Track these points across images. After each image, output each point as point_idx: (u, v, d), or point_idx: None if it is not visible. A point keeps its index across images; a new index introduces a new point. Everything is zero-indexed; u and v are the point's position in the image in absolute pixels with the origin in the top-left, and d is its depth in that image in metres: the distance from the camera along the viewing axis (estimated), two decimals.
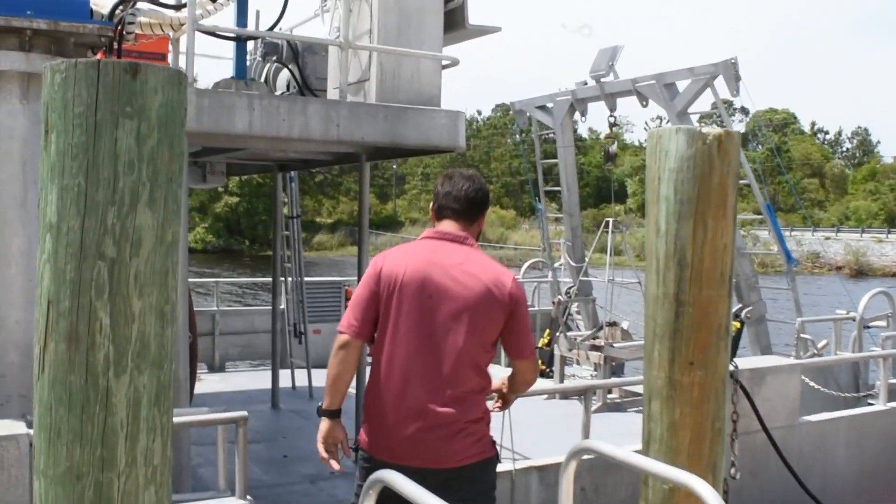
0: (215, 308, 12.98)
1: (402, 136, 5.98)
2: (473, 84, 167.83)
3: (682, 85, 10.05)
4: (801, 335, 8.92)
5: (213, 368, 12.77)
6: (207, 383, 11.81)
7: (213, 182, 10.12)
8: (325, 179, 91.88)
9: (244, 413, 4.37)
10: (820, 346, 9.25)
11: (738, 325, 10.11)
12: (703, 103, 10.27)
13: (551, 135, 12.42)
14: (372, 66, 6.26)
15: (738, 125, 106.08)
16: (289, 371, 11.31)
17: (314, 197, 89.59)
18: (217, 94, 5.48)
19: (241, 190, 72.40)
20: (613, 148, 11.29)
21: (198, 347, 6.18)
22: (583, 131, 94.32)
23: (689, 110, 10.06)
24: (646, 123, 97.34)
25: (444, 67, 6.55)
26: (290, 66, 7.20)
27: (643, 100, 10.46)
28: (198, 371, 12.49)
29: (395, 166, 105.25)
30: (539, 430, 8.56)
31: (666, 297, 3.68)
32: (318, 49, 7.23)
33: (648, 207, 3.79)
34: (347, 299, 13.63)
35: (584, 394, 5.95)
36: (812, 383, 8.01)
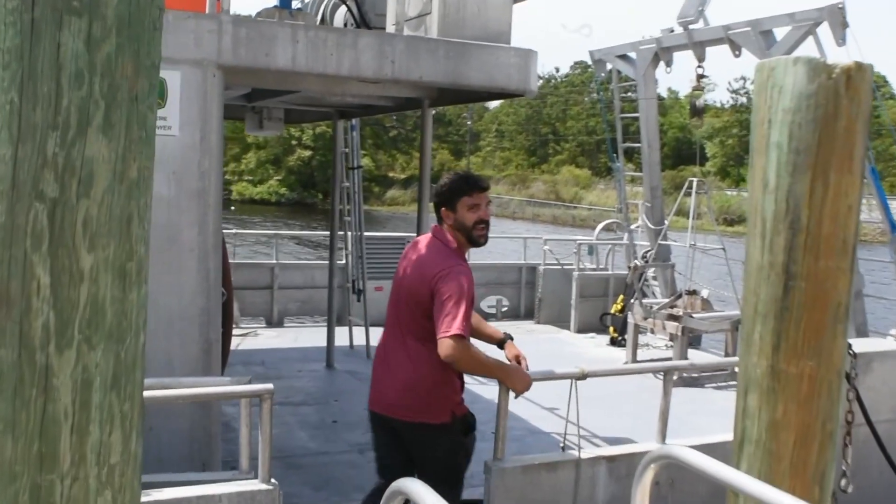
0: (274, 261, 12.57)
1: (465, 75, 5.32)
2: (552, 40, 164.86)
3: (780, 33, 9.14)
4: None
5: (270, 323, 12.40)
6: (263, 338, 11.44)
7: (271, 129, 9.61)
8: (398, 134, 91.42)
9: (269, 386, 3.83)
10: None
11: None
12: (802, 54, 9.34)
13: (631, 94, 11.62)
14: None
15: None
16: (347, 329, 10.85)
17: (388, 152, 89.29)
18: (256, 23, 4.89)
19: (315, 143, 72.44)
20: (701, 101, 10.41)
21: (233, 306, 5.69)
22: (662, 90, 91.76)
23: None
24: (729, 84, 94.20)
25: (516, 1, 5.86)
26: (346, 1, 6.58)
27: (735, 49, 9.56)
28: (253, 328, 12.16)
29: (469, 122, 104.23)
30: (610, 407, 7.94)
31: (773, 267, 3.00)
32: None
33: (754, 157, 3.10)
34: None
35: (664, 374, 5.26)
36: None
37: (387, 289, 11.48)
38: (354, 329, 10.72)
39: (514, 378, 4.35)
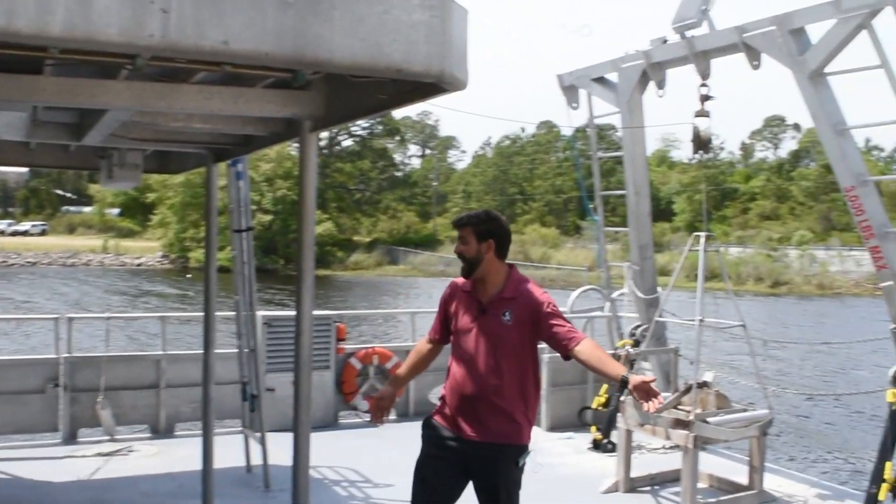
0: (161, 352, 9.78)
1: (322, 42, 2.72)
2: (517, 99, 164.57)
3: (815, 31, 6.74)
4: None
5: (156, 432, 9.58)
6: (136, 458, 8.63)
7: (124, 180, 7.02)
8: (362, 197, 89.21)
9: None
10: None
11: None
12: (849, 58, 6.86)
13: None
14: None
15: (790, 142, 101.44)
16: (245, 444, 8.13)
17: (352, 215, 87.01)
18: None
19: (276, 207, 70.13)
20: (706, 128, 7.88)
21: None
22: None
23: (829, 69, 6.72)
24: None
25: None
26: None
27: (754, 58, 7.12)
28: (129, 441, 9.37)
29: (434, 183, 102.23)
30: None
31: None
32: None
33: None
34: (340, 340, 10.40)
35: None
36: None
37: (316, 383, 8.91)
38: (258, 444, 7.97)
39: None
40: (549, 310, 4.54)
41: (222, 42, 2.61)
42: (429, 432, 4.69)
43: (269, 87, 4.41)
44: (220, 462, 7.40)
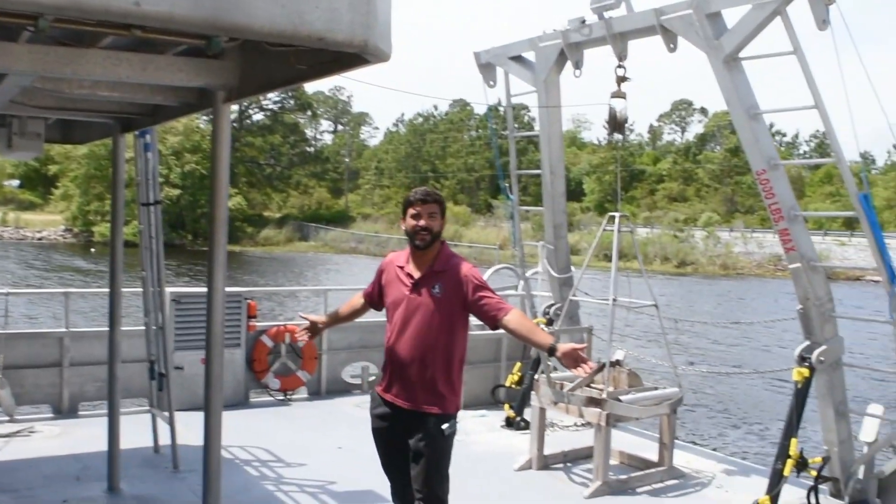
0: (64, 329, 9.43)
1: (240, 8, 2.60)
2: (431, 78, 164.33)
3: (732, 16, 6.83)
4: None
5: (59, 412, 9.24)
6: (38, 440, 8.32)
7: (25, 150, 6.70)
8: (273, 172, 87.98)
9: None
10: None
11: (806, 372, 6.89)
12: (763, 44, 6.97)
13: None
14: None
15: (697, 126, 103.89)
16: (153, 424, 7.91)
17: (262, 190, 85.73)
18: None
19: (184, 181, 68.52)
20: (622, 109, 7.93)
21: None
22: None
23: (743, 54, 6.81)
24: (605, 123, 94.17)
25: None
26: None
27: (671, 40, 7.17)
28: (30, 421, 9.03)
29: (347, 159, 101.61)
30: None
31: None
32: None
33: None
34: (251, 317, 10.20)
35: None
36: None
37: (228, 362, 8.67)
38: (166, 424, 7.74)
39: None
40: (477, 282, 4.73)
41: (133, 3, 2.46)
42: (372, 404, 4.98)
43: (180, 55, 4.25)
44: (126, 443, 7.21)
